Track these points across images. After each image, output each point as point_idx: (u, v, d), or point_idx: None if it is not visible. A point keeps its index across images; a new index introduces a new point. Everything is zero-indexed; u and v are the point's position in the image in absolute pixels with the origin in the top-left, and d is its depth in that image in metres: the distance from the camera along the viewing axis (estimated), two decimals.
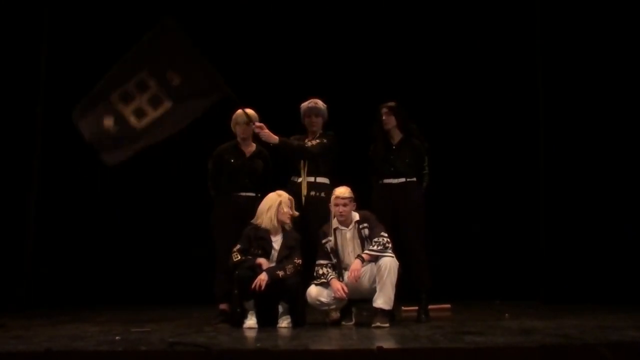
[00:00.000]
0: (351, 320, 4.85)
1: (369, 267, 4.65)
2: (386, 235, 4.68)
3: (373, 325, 4.49)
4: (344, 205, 4.76)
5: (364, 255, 4.64)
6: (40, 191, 6.72)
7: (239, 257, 4.69)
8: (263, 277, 4.56)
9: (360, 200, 4.90)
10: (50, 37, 6.82)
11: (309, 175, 5.10)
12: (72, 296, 6.88)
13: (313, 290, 4.74)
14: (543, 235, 6.41)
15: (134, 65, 4.93)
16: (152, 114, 4.89)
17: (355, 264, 4.62)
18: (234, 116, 5.14)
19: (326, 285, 4.72)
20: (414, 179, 5.09)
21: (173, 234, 7.20)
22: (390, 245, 4.65)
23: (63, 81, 6.86)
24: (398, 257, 4.64)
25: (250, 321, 4.62)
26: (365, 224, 4.78)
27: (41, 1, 6.77)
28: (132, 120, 4.88)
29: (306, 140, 5.18)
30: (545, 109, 6.45)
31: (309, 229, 4.98)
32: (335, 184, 4.97)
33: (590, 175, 6.29)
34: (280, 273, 4.61)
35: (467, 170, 7.12)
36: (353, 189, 4.85)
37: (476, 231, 7.06)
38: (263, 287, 4.53)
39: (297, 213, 4.89)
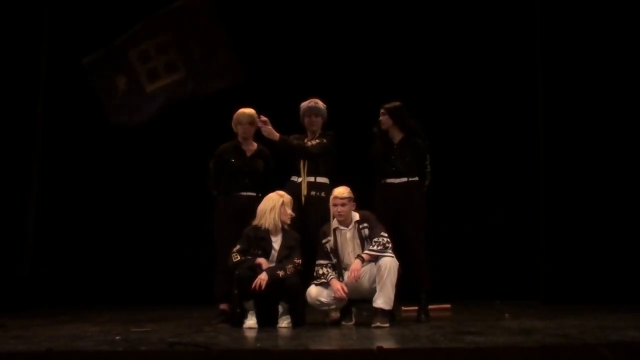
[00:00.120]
0: (351, 320, 4.84)
1: (369, 267, 4.65)
2: (386, 235, 4.67)
3: (373, 325, 4.49)
4: (342, 205, 4.76)
5: (364, 255, 4.64)
6: (40, 191, 6.74)
7: (239, 258, 4.68)
8: (263, 277, 4.55)
9: (360, 200, 4.90)
10: (50, 37, 6.82)
11: (308, 175, 5.09)
12: (72, 296, 6.88)
13: (313, 290, 4.73)
14: (543, 235, 6.41)
15: (159, 27, 4.92)
16: (165, 79, 4.90)
17: (355, 264, 4.62)
18: (236, 116, 5.14)
19: (326, 285, 4.71)
20: (416, 178, 5.08)
21: (173, 234, 7.20)
22: (390, 245, 4.65)
23: (63, 81, 6.87)
24: (398, 257, 4.64)
25: (250, 321, 4.62)
26: (365, 224, 4.78)
27: (41, 1, 6.77)
28: (144, 81, 4.89)
29: (306, 140, 5.18)
30: (545, 109, 6.44)
31: (309, 229, 4.98)
32: (335, 183, 4.97)
33: (590, 175, 6.29)
34: (280, 273, 4.61)
35: (467, 170, 7.11)
36: (353, 189, 4.84)
37: (476, 231, 7.05)
38: (263, 287, 4.53)
39: (294, 214, 4.89)
